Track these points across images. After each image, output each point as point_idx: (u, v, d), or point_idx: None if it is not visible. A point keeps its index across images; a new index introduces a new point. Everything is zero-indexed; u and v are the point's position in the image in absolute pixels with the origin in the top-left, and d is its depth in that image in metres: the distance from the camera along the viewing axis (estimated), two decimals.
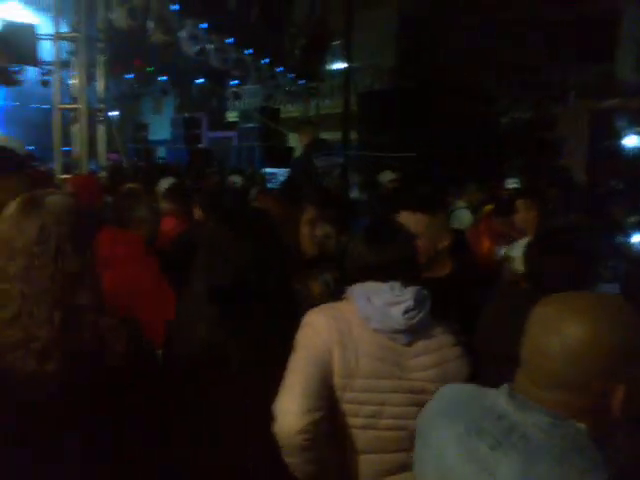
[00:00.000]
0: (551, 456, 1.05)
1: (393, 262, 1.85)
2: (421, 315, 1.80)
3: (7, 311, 1.46)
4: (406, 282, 1.84)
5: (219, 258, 1.80)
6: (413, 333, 1.80)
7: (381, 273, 1.83)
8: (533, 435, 1.08)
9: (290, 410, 1.63)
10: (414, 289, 1.82)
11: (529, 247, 2.25)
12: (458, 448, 1.15)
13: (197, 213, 4.52)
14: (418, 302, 1.80)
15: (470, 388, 1.33)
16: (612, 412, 1.08)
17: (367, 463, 1.78)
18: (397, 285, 1.82)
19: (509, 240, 4.49)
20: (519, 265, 3.45)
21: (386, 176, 6.72)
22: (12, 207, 1.55)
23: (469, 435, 1.14)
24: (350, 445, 1.78)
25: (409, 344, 1.79)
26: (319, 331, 1.77)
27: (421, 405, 1.62)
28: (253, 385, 1.73)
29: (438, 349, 1.82)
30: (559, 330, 1.11)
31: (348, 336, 1.77)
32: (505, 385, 1.21)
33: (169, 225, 4.53)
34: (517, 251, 3.74)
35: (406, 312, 1.78)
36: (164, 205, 4.85)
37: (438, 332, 1.85)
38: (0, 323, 1.46)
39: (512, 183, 7.46)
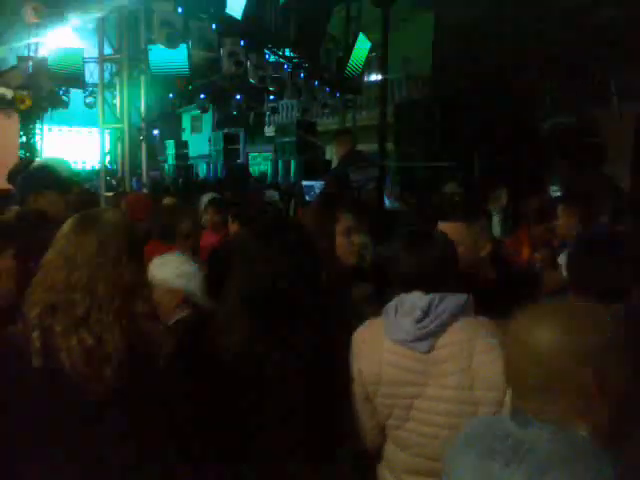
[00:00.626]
0: (558, 464, 1.09)
1: (428, 273, 1.87)
2: (437, 322, 1.80)
3: (74, 316, 1.54)
4: (445, 291, 1.84)
5: (250, 269, 1.81)
6: (432, 341, 1.81)
7: (420, 283, 1.86)
8: (538, 447, 1.12)
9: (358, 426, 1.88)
10: (430, 297, 1.83)
11: (570, 253, 2.20)
12: (474, 473, 1.19)
13: (233, 227, 4.58)
14: (427, 311, 1.81)
15: (489, 418, 1.38)
16: (596, 413, 1.11)
17: (397, 457, 1.91)
18: (424, 295, 1.84)
19: (549, 247, 4.43)
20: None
21: (450, 187, 6.80)
22: (68, 225, 1.65)
23: (483, 459, 1.18)
24: (387, 438, 1.93)
25: (429, 351, 1.81)
26: (355, 345, 1.93)
27: (455, 414, 1.75)
28: (288, 399, 1.72)
29: (467, 355, 1.80)
30: (526, 341, 1.16)
31: (372, 347, 1.89)
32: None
33: (209, 239, 4.62)
34: (563, 258, 3.69)
35: (418, 322, 1.81)
36: (205, 218, 4.96)
37: (470, 337, 1.82)
38: (68, 326, 1.54)
39: (555, 191, 7.38)
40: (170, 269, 2.43)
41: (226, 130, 15.69)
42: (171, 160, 15.19)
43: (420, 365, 1.82)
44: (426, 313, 1.81)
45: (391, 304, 1.90)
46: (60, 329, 1.53)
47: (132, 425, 1.55)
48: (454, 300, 1.83)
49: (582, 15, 10.28)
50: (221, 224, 4.82)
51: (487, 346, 1.79)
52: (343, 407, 1.87)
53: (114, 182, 7.65)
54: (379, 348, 1.87)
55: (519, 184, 8.05)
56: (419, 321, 1.81)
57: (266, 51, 8.87)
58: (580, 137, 12.05)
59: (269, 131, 17.11)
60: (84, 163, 12.68)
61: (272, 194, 7.41)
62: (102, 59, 6.94)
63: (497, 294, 2.14)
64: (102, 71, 7.02)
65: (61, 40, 7.64)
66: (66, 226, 1.64)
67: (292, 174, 12.50)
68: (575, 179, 10.62)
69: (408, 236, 2.04)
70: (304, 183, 10.84)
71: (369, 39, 11.50)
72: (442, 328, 1.81)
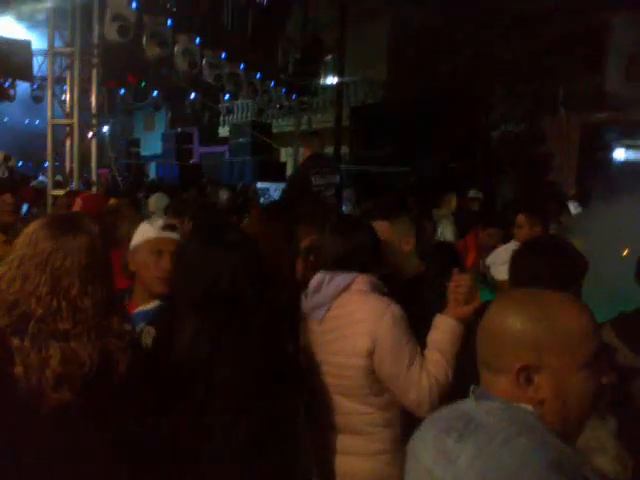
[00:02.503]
0: (500, 437, 1.13)
1: (339, 255, 2.17)
2: (318, 296, 2.14)
3: (55, 329, 1.45)
4: (361, 272, 2.13)
5: (191, 270, 1.80)
6: (320, 312, 2.14)
7: (339, 263, 2.15)
8: (486, 421, 1.17)
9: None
10: (322, 275, 2.15)
11: (514, 254, 2.27)
12: (432, 450, 1.24)
13: (187, 227, 4.48)
14: (319, 286, 2.13)
15: (456, 403, 1.37)
16: (539, 398, 1.17)
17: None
18: (319, 274, 2.16)
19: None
20: (497, 273, 3.46)
21: (473, 193, 6.98)
22: (38, 226, 1.52)
23: (440, 435, 1.23)
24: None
25: (321, 323, 2.15)
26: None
27: (337, 377, 2.10)
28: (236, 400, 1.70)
29: (341, 326, 2.10)
30: (485, 319, 1.27)
31: (304, 322, 2.24)
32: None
33: None
34: (493, 258, 3.75)
35: (310, 296, 2.17)
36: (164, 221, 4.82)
37: (351, 311, 2.11)
38: (50, 337, 1.45)
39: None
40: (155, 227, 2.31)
41: (179, 129, 15.42)
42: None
43: (319, 336, 2.16)
44: (317, 289, 2.14)
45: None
46: (30, 343, 1.44)
47: (82, 441, 1.48)
48: (341, 278, 2.11)
49: (534, 25, 10.59)
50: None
51: (360, 318, 2.07)
52: (292, 405, 1.86)
53: (61, 179, 7.38)
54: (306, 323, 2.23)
55: (469, 189, 8.22)
56: (310, 295, 2.16)
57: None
58: (527, 145, 12.42)
59: (223, 131, 16.93)
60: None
61: (222, 194, 7.28)
62: (52, 52, 6.68)
63: (420, 286, 2.46)
64: (52, 64, 6.76)
65: (7, 31, 7.33)
66: (38, 227, 1.52)
67: (246, 175, 12.37)
68: (525, 187, 10.92)
69: (331, 225, 2.32)
70: (259, 185, 10.77)
71: (325, 40, 11.54)
72: (328, 301, 2.12)
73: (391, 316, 2.05)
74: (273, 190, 9.37)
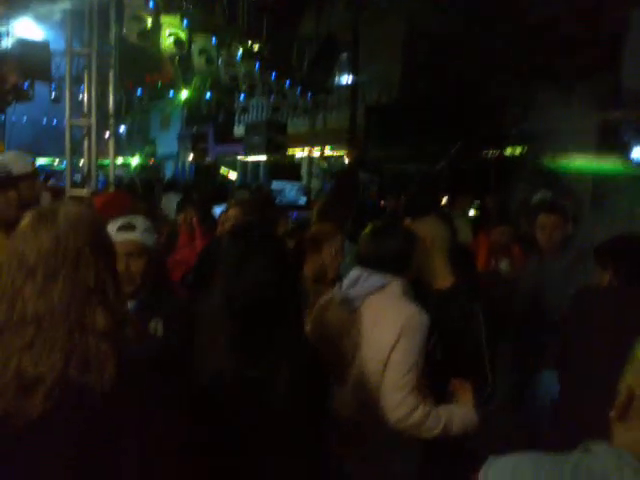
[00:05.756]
0: None
1: (375, 256, 2.26)
2: (356, 289, 2.25)
3: (22, 338, 1.30)
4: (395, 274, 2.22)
5: (236, 276, 1.77)
6: (355, 304, 2.26)
7: (374, 264, 2.25)
8: None
9: None
10: (360, 271, 2.26)
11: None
12: None
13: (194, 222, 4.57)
14: (357, 280, 2.26)
15: (543, 460, 1.03)
16: None
17: None
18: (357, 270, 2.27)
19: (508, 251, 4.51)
20: None
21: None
22: (24, 221, 1.41)
23: None
24: None
25: (354, 313, 2.25)
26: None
27: (363, 367, 2.16)
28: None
29: (373, 320, 2.20)
30: None
31: (328, 310, 2.36)
32: (603, 445, 0.96)
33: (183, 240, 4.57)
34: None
35: (345, 287, 2.30)
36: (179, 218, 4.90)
37: (384, 307, 2.20)
38: (15, 350, 1.29)
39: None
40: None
41: (195, 129, 15.50)
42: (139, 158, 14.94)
43: (348, 324, 2.23)
44: (354, 283, 2.25)
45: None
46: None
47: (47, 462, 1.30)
48: (379, 278, 2.20)
49: (549, 24, 10.53)
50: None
51: (381, 322, 2.15)
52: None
53: (79, 179, 7.47)
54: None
55: (483, 190, 8.21)
56: (348, 287, 2.26)
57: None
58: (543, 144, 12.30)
59: (239, 130, 16.98)
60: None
61: (243, 194, 7.32)
62: (71, 52, 6.75)
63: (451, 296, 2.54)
64: (70, 65, 6.83)
65: (26, 31, 7.42)
66: (23, 223, 1.40)
67: (261, 175, 12.41)
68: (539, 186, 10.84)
69: (370, 228, 2.41)
70: (273, 185, 10.79)
71: (340, 39, 11.53)
72: (365, 295, 2.21)
73: (418, 321, 2.13)
74: (288, 190, 9.34)
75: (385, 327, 2.13)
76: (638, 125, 11.60)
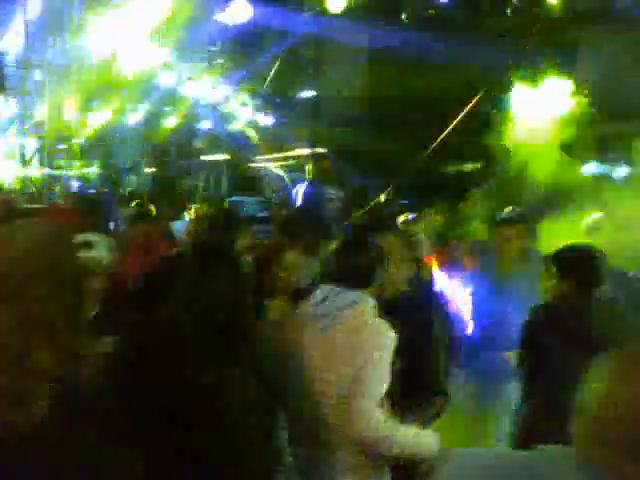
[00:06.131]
0: None
1: (348, 271, 2.28)
2: (324, 306, 2.24)
3: None
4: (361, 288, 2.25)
5: (193, 287, 1.82)
6: (324, 322, 2.24)
7: (341, 279, 2.26)
8: None
9: None
10: (328, 289, 2.25)
11: None
12: None
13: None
14: (325, 297, 2.25)
15: (491, 456, 1.15)
16: None
17: None
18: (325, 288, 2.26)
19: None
20: None
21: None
22: None
23: None
24: None
25: (323, 332, 2.23)
26: None
27: (331, 385, 2.14)
28: None
29: (343, 338, 2.20)
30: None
31: (294, 328, 2.31)
32: (555, 450, 1.05)
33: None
34: None
35: (313, 306, 2.27)
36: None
37: (355, 326, 2.20)
38: None
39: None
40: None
41: (156, 141, 15.32)
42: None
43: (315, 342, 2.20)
44: (323, 300, 2.24)
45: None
46: None
47: None
48: (349, 294, 2.22)
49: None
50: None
51: (354, 339, 2.15)
52: None
53: (33, 191, 7.30)
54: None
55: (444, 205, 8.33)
56: (316, 305, 2.23)
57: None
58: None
59: (200, 142, 16.87)
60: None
61: (203, 207, 7.24)
62: (27, 64, 6.62)
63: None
64: (26, 76, 6.70)
65: None
66: None
67: (222, 188, 12.34)
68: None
69: (339, 244, 2.48)
70: (234, 199, 10.72)
71: (302, 56, 11.63)
72: (334, 312, 2.21)
73: (389, 338, 2.17)
74: (248, 204, 9.31)
75: (358, 344, 2.15)
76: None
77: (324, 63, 12.48)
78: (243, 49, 9.72)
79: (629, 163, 11.55)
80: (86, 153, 13.56)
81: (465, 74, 11.89)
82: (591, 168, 12.50)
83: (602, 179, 11.70)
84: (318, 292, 2.27)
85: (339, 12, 5.82)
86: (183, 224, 5.62)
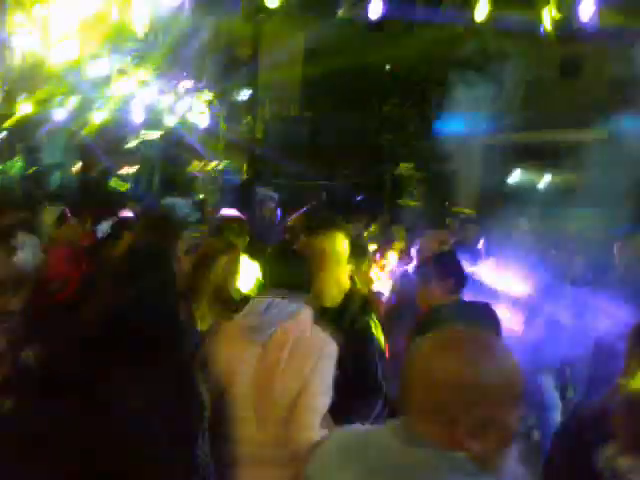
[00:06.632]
0: None
1: (285, 279, 2.24)
2: (264, 318, 2.19)
3: None
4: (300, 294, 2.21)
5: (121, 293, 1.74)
6: (264, 334, 2.21)
7: (282, 287, 2.21)
8: (420, 469, 1.13)
9: None
10: (269, 300, 2.20)
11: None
12: None
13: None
14: (266, 308, 2.20)
15: (359, 430, 1.36)
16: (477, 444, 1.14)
17: None
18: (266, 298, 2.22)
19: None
20: None
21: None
22: None
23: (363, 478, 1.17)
24: None
25: (263, 344, 2.21)
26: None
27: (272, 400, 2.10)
28: None
29: (285, 350, 2.19)
30: (422, 368, 1.20)
31: (228, 340, 2.32)
32: (392, 422, 1.26)
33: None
34: None
35: (252, 317, 2.24)
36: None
37: (297, 338, 2.20)
38: None
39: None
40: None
41: (83, 138, 14.68)
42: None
43: (254, 355, 2.15)
44: (264, 311, 2.17)
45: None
46: None
47: None
48: (290, 304, 2.16)
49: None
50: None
51: (299, 350, 2.11)
52: None
53: None
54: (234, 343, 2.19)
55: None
56: (257, 316, 2.16)
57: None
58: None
59: (130, 142, 16.32)
60: None
61: (134, 209, 6.95)
62: None
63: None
64: None
65: None
66: None
67: (154, 189, 12.00)
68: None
69: (276, 251, 2.48)
70: (166, 202, 10.35)
71: (239, 54, 11.48)
72: (275, 324, 2.14)
73: (332, 348, 2.15)
74: (180, 206, 8.99)
75: (303, 355, 2.10)
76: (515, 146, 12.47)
77: (260, 62, 12.38)
78: (178, 44, 9.48)
79: (553, 171, 12.09)
80: (7, 147, 12.86)
81: (403, 73, 12.13)
82: (516, 176, 13.04)
83: (527, 186, 12.20)
84: (259, 301, 2.19)
85: (275, 7, 5.75)
86: (108, 225, 5.41)
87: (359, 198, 10.14)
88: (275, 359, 2.10)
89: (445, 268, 3.06)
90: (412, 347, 1.27)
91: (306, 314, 2.19)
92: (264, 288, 2.30)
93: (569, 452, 1.84)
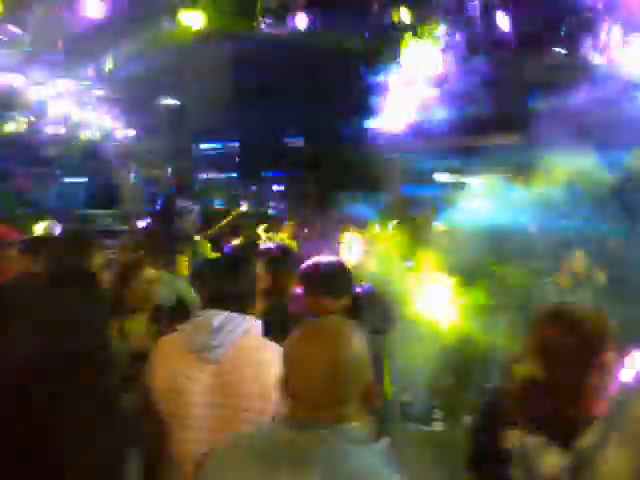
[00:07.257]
0: (332, 458, 1.20)
1: (235, 293, 2.15)
2: (217, 336, 2.09)
3: None
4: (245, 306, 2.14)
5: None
6: (217, 352, 2.11)
7: (223, 300, 2.13)
8: (313, 448, 1.22)
9: None
10: (223, 316, 2.09)
11: None
12: None
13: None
14: (219, 326, 2.09)
15: (250, 433, 1.46)
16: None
17: None
18: (218, 314, 2.10)
19: None
20: None
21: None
22: None
23: (268, 472, 1.23)
24: None
25: (216, 363, 2.10)
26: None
27: (229, 420, 2.02)
28: None
29: (241, 369, 2.10)
30: (301, 361, 1.31)
31: (175, 359, 2.19)
32: (279, 417, 1.38)
33: None
34: None
35: (203, 335, 2.10)
36: None
37: (251, 355, 2.13)
38: None
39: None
40: None
41: None
42: None
43: (208, 375, 2.04)
44: (218, 329, 2.05)
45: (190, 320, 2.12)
46: None
47: None
48: (242, 321, 2.08)
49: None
50: None
51: (255, 363, 2.05)
52: None
53: None
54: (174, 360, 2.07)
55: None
56: (212, 334, 2.04)
57: None
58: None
59: (50, 151, 15.66)
60: None
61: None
62: None
63: None
64: None
65: None
66: None
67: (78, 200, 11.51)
68: None
69: (219, 264, 2.32)
70: (85, 212, 9.92)
71: (163, 64, 11.23)
72: (229, 342, 2.04)
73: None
74: (101, 217, 8.61)
75: (265, 372, 2.01)
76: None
77: (186, 72, 12.19)
78: (97, 51, 9.16)
79: (481, 174, 12.48)
80: None
81: (329, 79, 12.24)
82: (443, 178, 13.38)
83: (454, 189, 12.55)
84: (208, 317, 2.07)
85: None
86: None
87: None
88: (236, 379, 2.00)
89: None
90: (286, 342, 1.38)
91: (257, 328, 2.12)
92: (203, 302, 2.19)
93: (484, 433, 1.91)
